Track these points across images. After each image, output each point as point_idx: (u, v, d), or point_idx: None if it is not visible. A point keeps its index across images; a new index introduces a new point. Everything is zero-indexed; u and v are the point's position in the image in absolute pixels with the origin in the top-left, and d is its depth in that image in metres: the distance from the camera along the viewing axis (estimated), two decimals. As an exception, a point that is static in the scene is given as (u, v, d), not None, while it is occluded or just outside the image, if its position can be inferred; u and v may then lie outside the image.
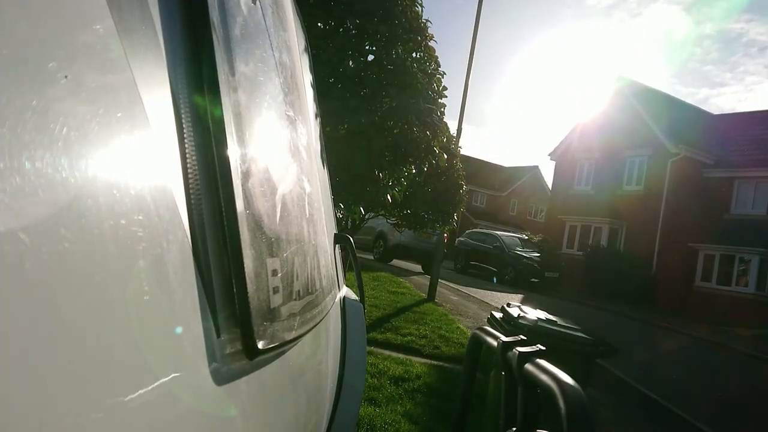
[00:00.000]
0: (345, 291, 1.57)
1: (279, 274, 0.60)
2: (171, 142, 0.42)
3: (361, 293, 1.70)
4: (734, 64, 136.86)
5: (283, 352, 0.64)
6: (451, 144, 8.84)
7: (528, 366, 0.69)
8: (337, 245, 1.48)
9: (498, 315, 4.45)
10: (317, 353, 0.94)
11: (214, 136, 0.46)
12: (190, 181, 0.43)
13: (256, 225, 0.53)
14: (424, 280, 12.43)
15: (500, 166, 40.49)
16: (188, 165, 0.43)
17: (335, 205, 3.63)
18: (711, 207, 18.71)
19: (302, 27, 1.33)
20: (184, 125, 0.43)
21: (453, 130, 9.38)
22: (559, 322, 4.17)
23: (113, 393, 0.31)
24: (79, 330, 0.29)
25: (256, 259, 0.51)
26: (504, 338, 0.80)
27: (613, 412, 5.26)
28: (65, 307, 0.28)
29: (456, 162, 8.96)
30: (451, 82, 70.77)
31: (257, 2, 0.67)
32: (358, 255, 1.80)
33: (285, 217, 0.69)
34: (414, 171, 5.72)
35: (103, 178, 0.32)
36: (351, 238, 1.62)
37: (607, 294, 17.95)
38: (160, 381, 0.35)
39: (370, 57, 4.79)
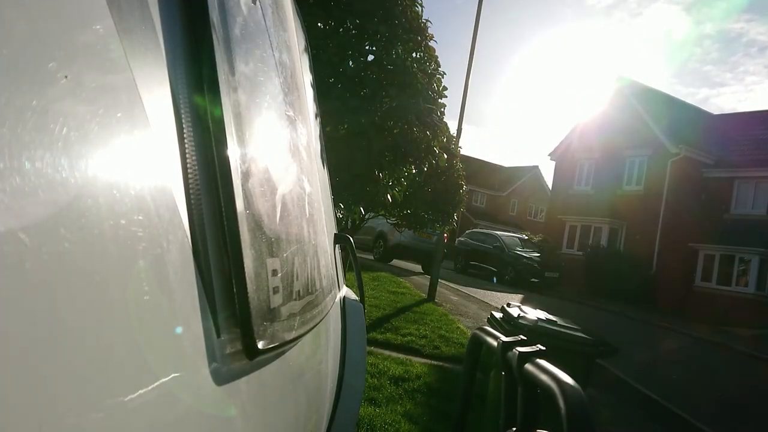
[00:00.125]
0: (345, 291, 1.57)
1: (279, 274, 0.60)
2: (171, 142, 0.42)
3: (361, 293, 1.70)
4: (734, 64, 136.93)
5: (283, 352, 0.64)
6: (451, 144, 8.84)
7: (528, 366, 0.69)
8: (337, 245, 1.48)
9: (498, 315, 4.45)
10: (317, 353, 0.94)
11: (214, 136, 0.46)
12: (190, 181, 0.43)
13: (256, 225, 0.53)
14: (424, 280, 12.43)
15: (500, 166, 40.51)
16: (188, 165, 0.43)
17: (335, 205, 3.63)
18: (711, 207, 18.71)
19: (302, 27, 1.33)
20: (184, 125, 0.43)
21: (453, 130, 9.39)
22: (559, 322, 4.17)
23: (113, 393, 0.31)
24: (79, 330, 0.29)
25: (256, 259, 0.51)
26: (504, 338, 0.80)
27: (613, 412, 5.26)
28: (65, 307, 0.28)
29: (456, 162, 8.96)
30: (451, 82, 70.84)
31: (257, 2, 0.67)
32: (358, 255, 1.80)
33: (285, 217, 0.69)
34: (414, 171, 5.72)
35: (103, 178, 0.32)
36: (351, 238, 1.62)
37: (607, 294, 17.95)
38: (160, 381, 0.35)
39: (370, 57, 4.79)
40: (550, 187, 26.97)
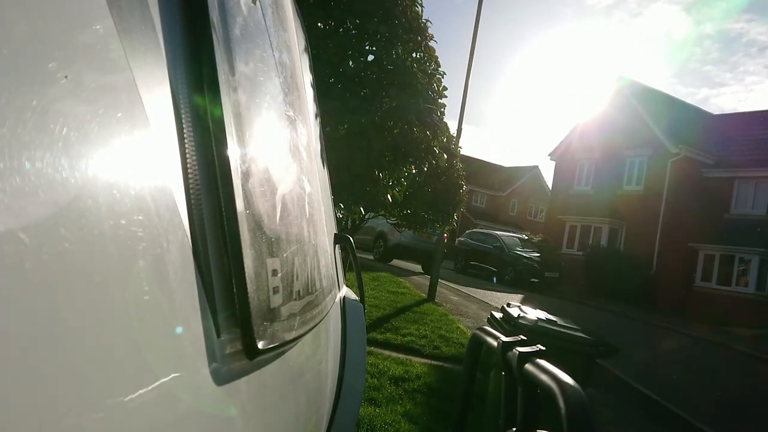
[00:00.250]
0: (345, 291, 1.57)
1: (279, 274, 0.60)
2: (171, 142, 0.42)
3: (361, 293, 1.70)
4: (734, 64, 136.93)
5: (283, 352, 0.64)
6: (451, 144, 8.84)
7: (528, 366, 0.69)
8: (337, 245, 1.48)
9: (498, 315, 4.45)
10: (317, 353, 0.94)
11: (214, 136, 0.46)
12: (190, 181, 0.43)
13: (256, 225, 0.53)
14: (424, 280, 12.42)
15: (500, 166, 40.51)
16: (188, 165, 0.43)
17: (335, 205, 3.63)
18: (711, 207, 18.71)
19: (302, 27, 1.33)
20: (184, 125, 0.43)
21: (453, 130, 9.39)
22: (559, 322, 4.17)
23: (113, 393, 0.31)
24: (79, 330, 0.29)
25: (256, 259, 0.51)
26: (504, 338, 0.80)
27: (613, 412, 5.26)
28: (65, 307, 0.28)
29: (456, 162, 8.96)
30: (451, 82, 70.84)
31: (257, 2, 0.67)
32: (358, 255, 1.79)
33: (285, 217, 0.69)
34: (414, 171, 5.72)
35: (103, 178, 0.32)
36: (351, 238, 1.62)
37: (607, 294, 17.95)
38: (160, 381, 0.35)
39: (370, 57, 4.79)
40: (550, 187, 26.97)
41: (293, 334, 0.64)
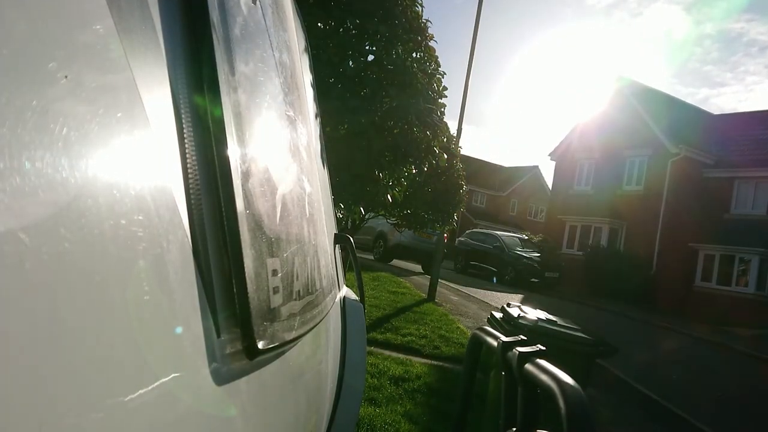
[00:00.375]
0: (345, 291, 1.57)
1: (279, 274, 0.60)
2: (171, 142, 0.42)
3: (361, 293, 1.70)
4: (734, 63, 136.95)
5: (283, 352, 0.64)
6: (451, 144, 8.84)
7: (528, 366, 0.69)
8: (337, 245, 1.48)
9: (498, 315, 4.45)
10: (317, 353, 0.94)
11: (214, 136, 0.46)
12: (190, 181, 0.43)
13: (256, 225, 0.53)
14: (424, 280, 12.42)
15: (500, 166, 40.50)
16: (188, 165, 0.43)
17: (335, 205, 3.63)
18: (711, 207, 18.71)
19: (302, 27, 1.33)
20: (184, 125, 0.43)
21: (453, 130, 9.39)
22: (559, 322, 4.17)
23: (113, 393, 0.31)
24: (79, 330, 0.29)
25: (256, 259, 0.51)
26: (504, 338, 0.80)
27: (613, 412, 5.26)
28: (65, 307, 0.28)
29: (456, 162, 8.96)
30: (451, 82, 70.81)
31: (257, 2, 0.67)
32: (358, 255, 1.79)
33: (285, 217, 0.69)
34: (414, 171, 5.72)
35: (103, 178, 0.32)
36: (351, 238, 1.62)
37: (607, 294, 17.95)
38: (160, 381, 0.35)
39: (370, 57, 4.79)
40: (550, 187, 26.97)
41: (293, 334, 0.64)
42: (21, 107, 0.26)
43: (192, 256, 0.42)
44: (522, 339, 0.77)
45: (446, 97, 5.36)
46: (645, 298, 17.91)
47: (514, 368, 0.72)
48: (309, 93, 1.31)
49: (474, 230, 21.45)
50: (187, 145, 0.43)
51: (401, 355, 5.35)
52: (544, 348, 0.72)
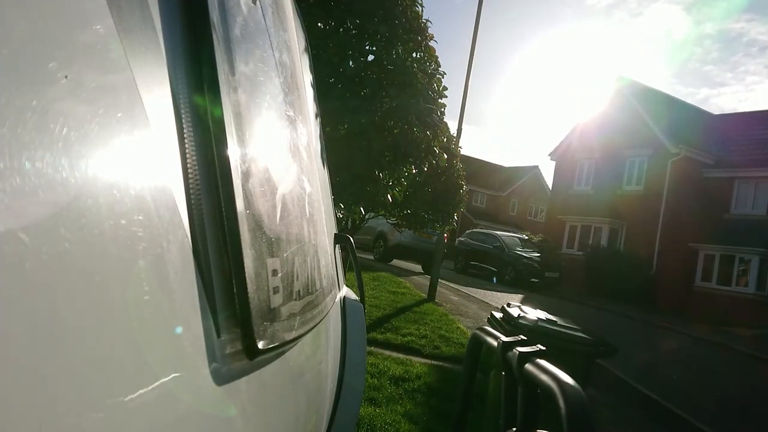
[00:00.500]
0: (345, 291, 1.57)
1: (279, 274, 0.60)
2: (171, 142, 0.42)
3: (361, 293, 1.70)
4: (735, 63, 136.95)
5: (283, 352, 0.64)
6: (451, 144, 8.84)
7: (528, 366, 0.69)
8: (337, 245, 1.48)
9: (498, 315, 4.45)
10: (317, 353, 0.94)
11: (214, 136, 0.46)
12: (190, 181, 0.43)
13: (256, 225, 0.53)
14: (424, 280, 12.42)
15: (500, 166, 40.50)
16: (188, 165, 0.43)
17: (335, 205, 3.63)
18: (711, 207, 18.71)
19: (302, 27, 1.33)
20: (184, 125, 0.43)
21: (453, 130, 9.39)
22: (559, 322, 4.17)
23: (113, 393, 0.31)
24: (79, 330, 0.29)
25: (257, 259, 0.51)
26: (504, 338, 0.80)
27: (613, 412, 5.26)
28: (65, 307, 0.28)
29: (456, 162, 8.96)
30: (451, 82, 70.79)
31: (257, 2, 0.67)
32: (358, 255, 1.79)
33: (285, 217, 0.69)
34: (414, 171, 5.72)
35: (103, 178, 0.32)
36: (351, 238, 1.62)
37: (607, 294, 17.95)
38: (160, 381, 0.35)
39: (370, 57, 4.79)
40: (550, 187, 26.97)
41: (293, 334, 0.64)
42: (21, 107, 0.26)
43: (192, 256, 0.42)
44: (522, 339, 0.77)
45: (446, 97, 5.36)
46: (645, 298, 17.91)
47: (514, 368, 0.72)
48: (309, 93, 1.31)
49: (474, 230, 21.45)
50: (187, 145, 0.43)
51: (401, 355, 5.35)
52: (544, 348, 0.72)
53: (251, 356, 0.49)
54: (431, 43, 5.14)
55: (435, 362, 5.35)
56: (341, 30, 4.56)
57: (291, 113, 0.84)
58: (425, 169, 5.86)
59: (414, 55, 4.98)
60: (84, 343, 0.29)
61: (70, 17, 0.31)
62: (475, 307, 10.41)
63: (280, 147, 0.75)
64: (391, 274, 12.21)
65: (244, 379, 0.50)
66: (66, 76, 0.30)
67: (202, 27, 0.46)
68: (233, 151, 0.48)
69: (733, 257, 17.63)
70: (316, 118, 1.50)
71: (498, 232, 20.22)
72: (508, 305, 4.50)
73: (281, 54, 0.82)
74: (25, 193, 0.26)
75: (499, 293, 13.70)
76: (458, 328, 7.35)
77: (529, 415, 0.69)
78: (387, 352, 5.34)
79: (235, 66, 0.53)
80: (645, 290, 18.08)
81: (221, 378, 0.44)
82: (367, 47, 4.75)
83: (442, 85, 5.28)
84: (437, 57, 5.20)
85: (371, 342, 5.54)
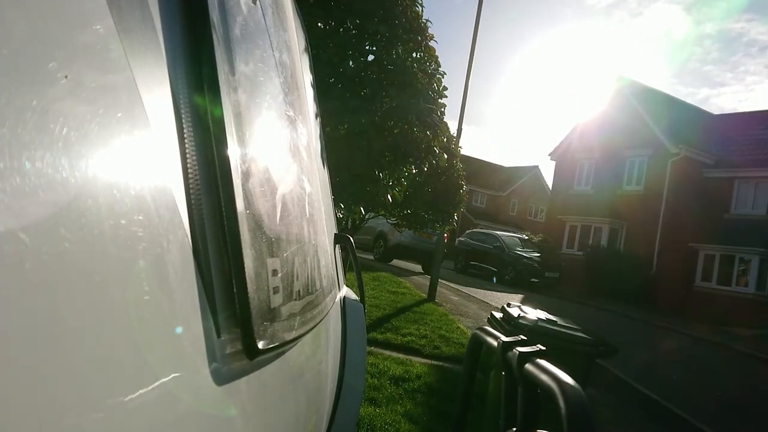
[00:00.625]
0: (345, 291, 1.57)
1: (279, 274, 0.60)
2: (171, 142, 0.42)
3: (361, 293, 1.70)
4: (735, 63, 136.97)
5: (283, 352, 0.64)
6: (451, 144, 8.84)
7: (528, 366, 0.69)
8: (337, 245, 1.48)
9: (498, 315, 4.45)
10: (317, 353, 0.94)
11: (214, 136, 0.46)
12: (190, 181, 0.43)
13: (256, 225, 0.53)
14: (424, 280, 12.42)
15: (500, 166, 40.50)
16: (188, 165, 0.43)
17: (335, 205, 3.63)
18: (711, 207, 18.70)
19: (302, 27, 1.33)
20: (184, 125, 0.43)
21: (453, 130, 9.39)
22: (559, 322, 4.17)
23: (113, 393, 0.31)
24: (79, 330, 0.29)
25: (257, 259, 0.51)
26: (504, 338, 0.80)
27: (613, 412, 5.26)
28: (65, 307, 0.28)
29: (456, 162, 8.96)
30: (451, 82, 70.78)
31: (257, 2, 0.67)
32: (358, 255, 1.79)
33: (285, 217, 0.69)
34: (414, 171, 5.72)
35: (103, 178, 0.32)
36: (351, 238, 1.62)
37: (607, 294, 17.95)
38: (160, 381, 0.35)
39: (370, 57, 4.79)
40: (550, 187, 26.97)
41: (293, 334, 0.64)
42: (21, 107, 0.26)
43: (192, 256, 0.42)
44: (522, 339, 0.77)
45: (446, 97, 5.36)
46: (645, 298, 17.91)
47: (514, 368, 0.72)
48: (309, 93, 1.31)
49: (474, 230, 21.45)
50: (187, 145, 0.43)
51: (401, 355, 5.35)
52: (544, 348, 0.72)
53: (251, 356, 0.49)
54: (431, 43, 5.14)
55: (435, 362, 5.35)
56: (341, 30, 4.56)
57: (291, 113, 0.84)
58: (425, 169, 5.86)
59: (414, 55, 4.98)
60: (84, 343, 0.29)
61: (70, 17, 0.31)
62: (475, 307, 10.41)
63: (280, 147, 0.75)
64: (391, 274, 12.21)
65: (244, 379, 0.50)
66: (66, 76, 0.30)
67: (202, 27, 0.46)
68: (233, 151, 0.48)
69: (733, 257, 17.62)
70: (316, 118, 1.50)
71: (498, 232, 20.22)
72: (508, 305, 4.50)
73: (281, 54, 0.82)
74: (25, 193, 0.26)
75: (499, 293, 13.70)
76: (458, 328, 7.35)
77: (529, 415, 0.69)
78: (387, 352, 5.34)
79: (235, 66, 0.53)
80: (645, 290, 18.08)
81: (221, 378, 0.44)
82: (367, 47, 4.75)
83: (442, 85, 5.28)
84: (437, 57, 5.20)
85: (371, 342, 5.54)
